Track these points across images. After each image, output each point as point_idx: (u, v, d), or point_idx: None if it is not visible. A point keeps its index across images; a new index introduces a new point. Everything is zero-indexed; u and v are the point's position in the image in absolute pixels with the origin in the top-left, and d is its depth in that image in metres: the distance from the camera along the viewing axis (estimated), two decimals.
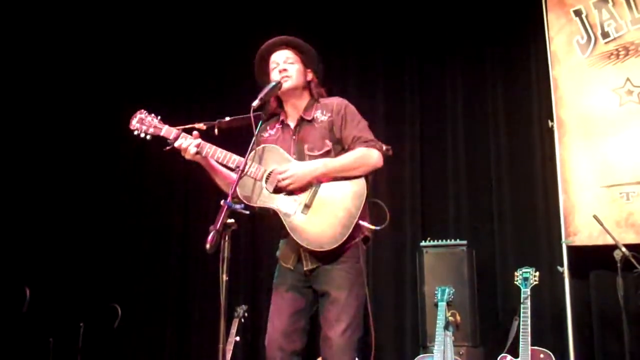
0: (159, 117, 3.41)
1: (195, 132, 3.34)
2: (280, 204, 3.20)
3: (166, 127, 3.37)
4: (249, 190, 3.21)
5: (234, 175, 3.31)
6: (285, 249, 3.33)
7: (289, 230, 3.18)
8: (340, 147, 3.32)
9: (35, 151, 6.48)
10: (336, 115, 3.36)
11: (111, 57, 6.82)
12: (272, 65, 3.46)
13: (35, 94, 6.56)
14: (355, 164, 3.21)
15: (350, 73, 6.48)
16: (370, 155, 3.25)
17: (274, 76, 3.40)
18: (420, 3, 6.30)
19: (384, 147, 3.32)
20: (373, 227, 3.23)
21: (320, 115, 3.39)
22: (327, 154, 3.28)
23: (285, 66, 3.40)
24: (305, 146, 3.32)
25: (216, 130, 3.47)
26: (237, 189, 3.14)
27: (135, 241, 6.69)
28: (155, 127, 3.38)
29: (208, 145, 3.31)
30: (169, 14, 6.79)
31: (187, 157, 3.31)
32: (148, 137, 3.39)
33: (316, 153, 3.29)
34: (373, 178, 3.35)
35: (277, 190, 3.20)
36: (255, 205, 3.20)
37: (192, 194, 6.55)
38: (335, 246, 3.12)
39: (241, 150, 3.24)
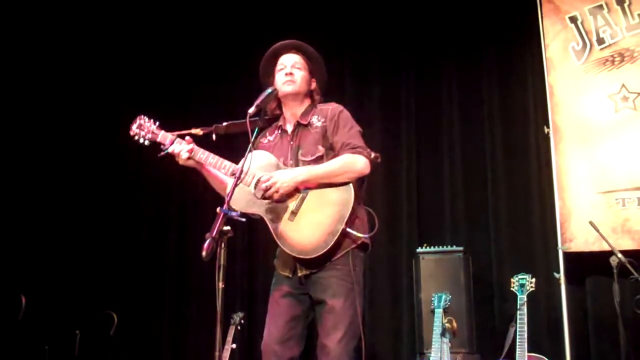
0: (157, 123, 3.42)
1: (188, 138, 3.34)
2: (268, 210, 3.21)
3: (162, 132, 3.39)
4: (238, 197, 3.18)
5: (229, 180, 3.31)
6: (282, 257, 3.34)
7: (275, 237, 3.19)
8: (332, 152, 3.32)
9: (32, 160, 6.46)
10: (329, 121, 3.37)
11: (111, 61, 6.79)
12: (279, 66, 3.47)
13: (32, 105, 6.55)
14: (339, 170, 3.20)
15: (346, 78, 6.48)
16: (355, 162, 3.24)
17: (279, 78, 3.42)
18: (417, 8, 6.31)
19: (373, 155, 3.32)
20: (360, 235, 3.23)
21: (315, 121, 3.40)
22: (319, 160, 3.29)
23: (292, 70, 3.42)
24: (300, 151, 3.34)
25: (214, 136, 3.48)
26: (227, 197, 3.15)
27: (132, 249, 6.67)
28: (152, 132, 3.40)
29: (201, 151, 3.32)
30: (168, 18, 6.79)
31: (181, 162, 3.34)
32: (146, 142, 3.41)
33: (309, 158, 3.31)
34: (368, 185, 3.35)
35: (265, 197, 3.20)
36: (243, 211, 3.18)
37: (189, 201, 6.53)
38: (319, 253, 3.12)
39: (238, 156, 3.24)
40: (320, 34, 6.07)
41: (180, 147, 3.31)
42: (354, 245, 3.23)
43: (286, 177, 3.17)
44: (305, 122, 3.40)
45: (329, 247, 3.11)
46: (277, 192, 3.16)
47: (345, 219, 3.14)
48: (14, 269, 5.95)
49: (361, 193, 3.31)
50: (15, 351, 5.68)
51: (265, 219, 3.19)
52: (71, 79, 6.74)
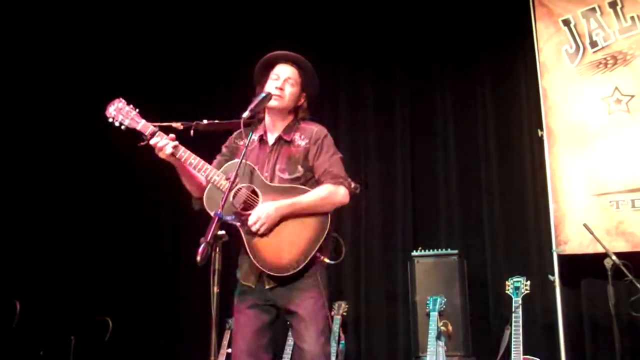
0: (137, 110, 3.31)
1: (171, 134, 3.27)
2: (244, 220, 3.19)
3: (143, 121, 3.27)
4: (217, 202, 3.11)
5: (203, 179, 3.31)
6: (246, 268, 3.34)
7: (247, 249, 3.19)
8: (310, 174, 3.35)
9: (28, 166, 6.43)
10: (313, 143, 3.37)
11: (109, 67, 6.78)
12: (273, 75, 3.44)
13: (28, 110, 6.53)
14: (321, 203, 3.25)
15: (340, 85, 6.49)
16: (336, 193, 3.29)
17: (269, 87, 3.39)
18: (410, 14, 6.33)
19: (352, 185, 3.37)
20: (328, 261, 3.27)
21: (298, 139, 3.40)
22: (296, 180, 3.31)
23: (283, 85, 3.39)
24: (278, 166, 3.34)
25: (192, 132, 3.42)
26: (205, 199, 3.16)
27: (126, 254, 6.67)
28: (132, 119, 3.28)
29: (183, 148, 3.24)
30: (157, 13, 6.78)
31: (161, 156, 3.23)
32: (123, 127, 3.29)
33: (286, 176, 3.31)
34: (363, 190, 3.37)
35: (245, 208, 3.20)
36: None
37: (183, 205, 6.48)
38: (289, 273, 3.17)
39: (209, 155, 3.29)
40: (314, 40, 6.15)
41: (165, 142, 3.21)
42: (316, 266, 3.27)
43: (272, 212, 3.17)
44: (288, 139, 3.40)
45: (299, 268, 3.17)
46: (263, 225, 3.17)
47: (318, 245, 3.20)
48: (8, 275, 5.92)
49: (333, 220, 3.33)
50: (10, 357, 5.66)
51: (241, 230, 3.19)
52: (60, 78, 6.70)
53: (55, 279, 6.30)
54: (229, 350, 5.36)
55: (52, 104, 6.67)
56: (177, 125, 3.38)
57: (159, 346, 6.48)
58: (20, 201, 6.36)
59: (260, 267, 3.18)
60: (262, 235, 3.19)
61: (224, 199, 2.97)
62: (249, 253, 3.19)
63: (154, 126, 3.27)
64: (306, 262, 3.17)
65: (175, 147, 3.22)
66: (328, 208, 3.26)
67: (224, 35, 6.74)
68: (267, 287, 3.24)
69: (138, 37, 6.83)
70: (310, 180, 3.34)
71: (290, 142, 3.39)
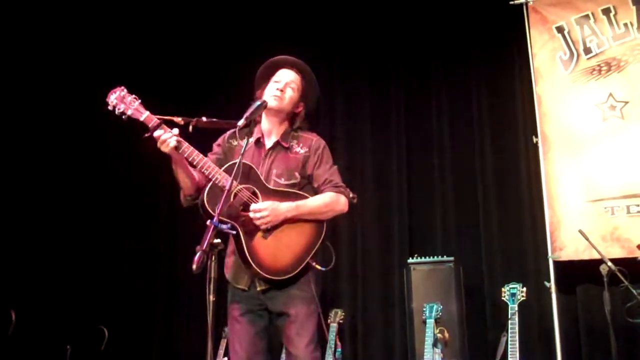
0: (139, 101, 3.21)
1: (175, 129, 3.19)
2: (244, 222, 3.20)
3: (147, 113, 3.18)
4: (218, 201, 3.06)
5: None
6: (235, 269, 3.35)
7: (245, 250, 3.17)
8: (306, 181, 3.42)
9: (21, 171, 6.41)
10: (313, 153, 3.44)
11: (101, 62, 6.73)
12: (275, 78, 3.47)
13: (25, 119, 6.52)
14: (324, 209, 3.34)
15: (336, 93, 6.50)
16: (338, 201, 3.39)
17: (270, 89, 3.42)
18: (405, 21, 6.34)
19: (351, 195, 3.45)
20: (320, 268, 3.33)
21: (296, 146, 3.45)
22: (293, 186, 3.36)
23: (285, 88, 3.42)
24: (274, 171, 3.37)
25: (191, 128, 3.39)
26: (205, 197, 3.10)
27: (122, 263, 6.64)
28: (136, 109, 3.16)
29: (187, 144, 3.18)
30: (157, 12, 6.78)
31: (163, 149, 3.14)
32: (124, 117, 3.17)
33: (283, 181, 3.35)
34: (359, 197, 3.39)
35: (245, 209, 3.21)
36: (220, 217, 3.06)
37: (179, 213, 6.51)
38: (284, 277, 3.21)
39: (203, 151, 3.25)
40: (309, 42, 6.13)
41: (169, 134, 3.12)
42: (312, 272, 3.33)
43: (278, 212, 3.21)
44: (286, 146, 3.44)
45: (294, 273, 3.23)
46: (268, 221, 3.20)
47: (313, 252, 3.28)
48: (3, 284, 5.91)
49: (327, 228, 3.40)
50: None
51: (241, 232, 3.18)
52: (56, 77, 6.67)
53: (51, 288, 6.27)
54: (225, 359, 5.35)
55: (44, 110, 6.62)
56: (178, 120, 3.32)
57: (155, 355, 6.46)
58: (16, 210, 6.34)
59: (256, 269, 3.18)
60: (262, 237, 3.21)
61: (221, 203, 2.93)
62: (246, 253, 3.17)
63: (157, 118, 3.19)
64: (300, 267, 3.23)
65: (179, 141, 3.15)
66: (329, 215, 3.35)
67: (222, 34, 6.74)
68: (259, 289, 3.26)
69: (138, 33, 6.80)
70: (304, 188, 3.40)
71: (288, 149, 3.43)
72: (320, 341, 3.36)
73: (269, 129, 3.48)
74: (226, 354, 5.37)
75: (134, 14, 6.69)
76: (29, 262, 6.26)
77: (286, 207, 3.23)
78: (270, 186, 3.31)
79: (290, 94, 3.44)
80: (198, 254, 2.65)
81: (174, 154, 3.19)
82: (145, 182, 6.47)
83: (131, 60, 6.72)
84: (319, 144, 3.48)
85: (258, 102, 3.29)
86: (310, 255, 3.26)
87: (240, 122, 3.14)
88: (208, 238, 2.73)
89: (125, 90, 3.21)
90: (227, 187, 3.03)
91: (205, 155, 3.27)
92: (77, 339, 5.83)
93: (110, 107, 3.17)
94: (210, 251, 2.73)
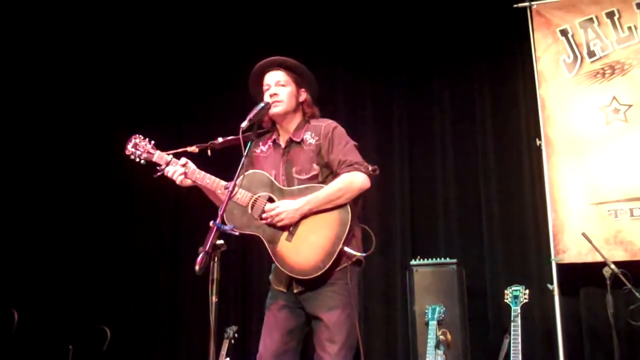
0: (152, 142, 3.42)
1: (183, 159, 3.34)
2: (265, 231, 3.21)
3: (158, 152, 3.39)
4: (235, 216, 3.22)
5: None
6: (276, 273, 3.34)
7: (273, 258, 3.20)
8: (328, 170, 3.32)
9: (24, 173, 6.43)
10: (324, 138, 3.35)
11: (105, 77, 6.80)
12: (265, 86, 3.44)
13: (22, 120, 6.52)
14: (339, 193, 3.20)
15: (338, 97, 6.49)
16: (353, 180, 3.23)
17: (266, 98, 3.39)
18: (409, 21, 6.34)
19: (370, 168, 3.30)
20: (358, 254, 3.25)
21: (309, 138, 3.38)
22: (314, 178, 3.29)
23: (276, 90, 3.39)
24: (294, 169, 3.33)
25: (209, 152, 3.46)
26: (224, 214, 3.10)
27: (124, 263, 6.65)
28: (148, 152, 3.40)
29: (197, 171, 3.33)
30: (162, 36, 6.82)
31: (178, 183, 3.35)
32: (142, 162, 3.42)
33: (304, 177, 3.31)
34: (363, 199, 3.36)
35: (263, 218, 3.21)
36: (240, 231, 3.15)
37: (182, 214, 6.53)
38: (317, 274, 3.14)
39: (233, 171, 3.20)
40: (311, 44, 6.14)
41: (175, 169, 3.32)
42: (349, 262, 3.23)
43: (291, 209, 3.18)
44: (298, 139, 3.39)
45: (326, 267, 3.14)
46: (281, 221, 3.18)
47: (343, 239, 3.17)
48: (6, 284, 5.92)
49: (357, 210, 3.31)
50: None
51: (264, 240, 3.20)
52: (63, 90, 6.71)
53: (53, 288, 6.28)
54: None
55: (58, 129, 6.68)
56: (193, 149, 3.46)
57: (157, 356, 6.46)
58: (18, 210, 6.35)
59: (288, 273, 3.18)
60: (285, 239, 3.19)
61: (222, 208, 2.94)
62: (275, 261, 3.20)
63: (168, 154, 3.38)
64: (333, 259, 3.14)
65: (184, 173, 3.32)
66: (348, 197, 3.21)
67: (222, 36, 6.75)
68: (295, 291, 3.24)
69: (132, 57, 6.85)
70: (329, 176, 3.31)
71: (300, 142, 3.38)
72: (356, 346, 3.27)
73: (282, 129, 3.46)
74: (229, 354, 5.37)
75: (135, 19, 6.74)
76: (32, 262, 6.27)
77: (298, 204, 3.19)
78: (291, 186, 3.29)
79: (286, 91, 3.41)
80: (201, 255, 2.65)
81: (190, 184, 3.38)
82: (148, 183, 6.46)
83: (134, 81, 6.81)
84: (328, 129, 3.37)
85: (261, 105, 3.29)
86: (342, 244, 3.16)
87: (244, 124, 3.14)
88: (211, 239, 2.72)
89: (139, 136, 3.46)
90: (229, 188, 3.05)
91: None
92: (79, 339, 5.83)
93: (131, 157, 3.45)
94: (213, 252, 2.73)
